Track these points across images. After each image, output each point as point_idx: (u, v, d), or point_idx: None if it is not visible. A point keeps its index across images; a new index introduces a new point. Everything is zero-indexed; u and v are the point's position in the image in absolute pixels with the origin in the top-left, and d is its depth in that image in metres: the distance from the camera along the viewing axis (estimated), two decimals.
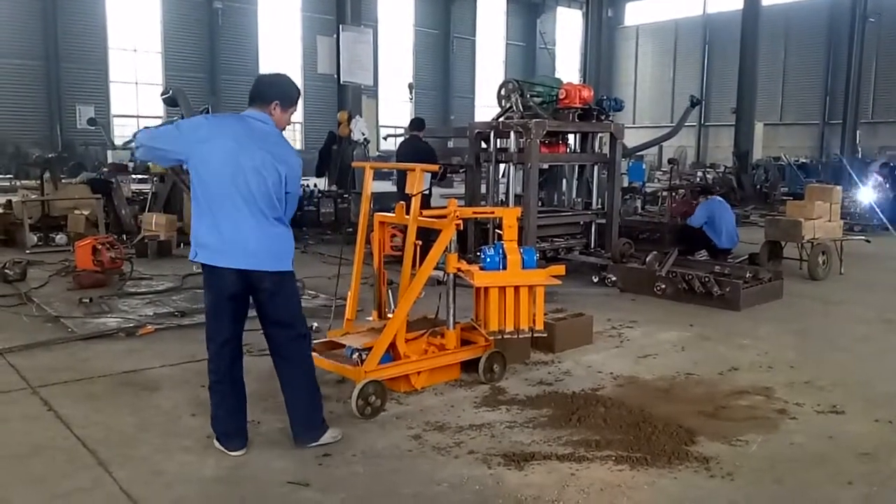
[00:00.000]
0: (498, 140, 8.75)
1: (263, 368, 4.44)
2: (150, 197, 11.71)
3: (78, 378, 4.72)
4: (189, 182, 3.60)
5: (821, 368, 5.20)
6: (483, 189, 9.07)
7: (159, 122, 21.24)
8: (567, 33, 44.31)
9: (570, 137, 9.37)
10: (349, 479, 3.38)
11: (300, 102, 3.85)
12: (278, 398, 3.88)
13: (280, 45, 33.47)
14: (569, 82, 9.32)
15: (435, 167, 5.57)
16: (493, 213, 6.66)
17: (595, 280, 8.18)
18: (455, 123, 33.67)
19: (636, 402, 4.37)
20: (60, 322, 6.04)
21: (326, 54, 15.80)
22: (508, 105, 8.95)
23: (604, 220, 9.13)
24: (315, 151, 15.66)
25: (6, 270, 7.69)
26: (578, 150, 9.34)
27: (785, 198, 17.16)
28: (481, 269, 4.62)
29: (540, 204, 9.07)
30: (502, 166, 8.78)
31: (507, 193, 8.65)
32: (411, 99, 34.41)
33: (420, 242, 4.57)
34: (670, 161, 17.54)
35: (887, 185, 15.17)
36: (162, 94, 12.02)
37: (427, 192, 8.67)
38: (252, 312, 3.70)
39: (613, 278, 7.92)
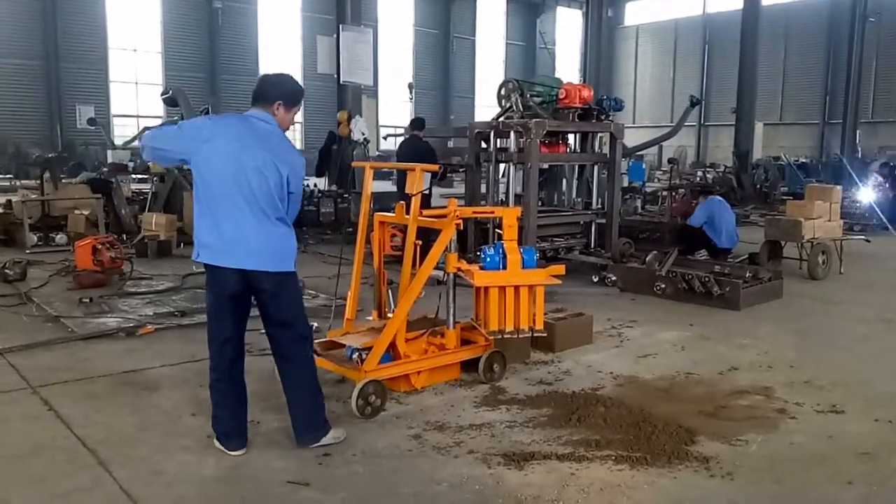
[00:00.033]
0: (498, 140, 8.76)
1: (264, 368, 4.44)
2: (150, 197, 11.70)
3: (78, 378, 4.72)
4: (191, 179, 3.59)
5: (821, 368, 5.20)
6: (483, 189, 9.07)
7: (159, 122, 21.20)
8: (567, 33, 44.31)
9: (570, 137, 9.38)
10: (349, 479, 3.39)
11: None
12: (278, 398, 3.89)
13: (280, 45, 33.45)
14: (569, 82, 9.33)
15: (435, 167, 5.57)
16: (493, 212, 6.65)
17: (595, 280, 8.18)
18: (455, 123, 33.65)
19: (636, 402, 4.37)
20: (60, 322, 6.04)
21: (326, 54, 15.80)
22: (508, 105, 8.96)
23: (604, 220, 9.13)
24: (315, 151, 15.67)
25: (6, 270, 7.69)
26: (578, 150, 9.35)
27: (785, 197, 17.15)
28: (481, 268, 4.62)
29: (540, 204, 9.07)
30: (502, 166, 8.79)
31: (507, 193, 8.65)
32: (411, 99, 34.43)
33: (420, 242, 4.57)
34: (670, 161, 17.56)
35: (887, 185, 15.17)
36: (162, 94, 12.04)
37: (427, 191, 8.68)
38: (254, 312, 3.70)
39: (613, 278, 7.92)
